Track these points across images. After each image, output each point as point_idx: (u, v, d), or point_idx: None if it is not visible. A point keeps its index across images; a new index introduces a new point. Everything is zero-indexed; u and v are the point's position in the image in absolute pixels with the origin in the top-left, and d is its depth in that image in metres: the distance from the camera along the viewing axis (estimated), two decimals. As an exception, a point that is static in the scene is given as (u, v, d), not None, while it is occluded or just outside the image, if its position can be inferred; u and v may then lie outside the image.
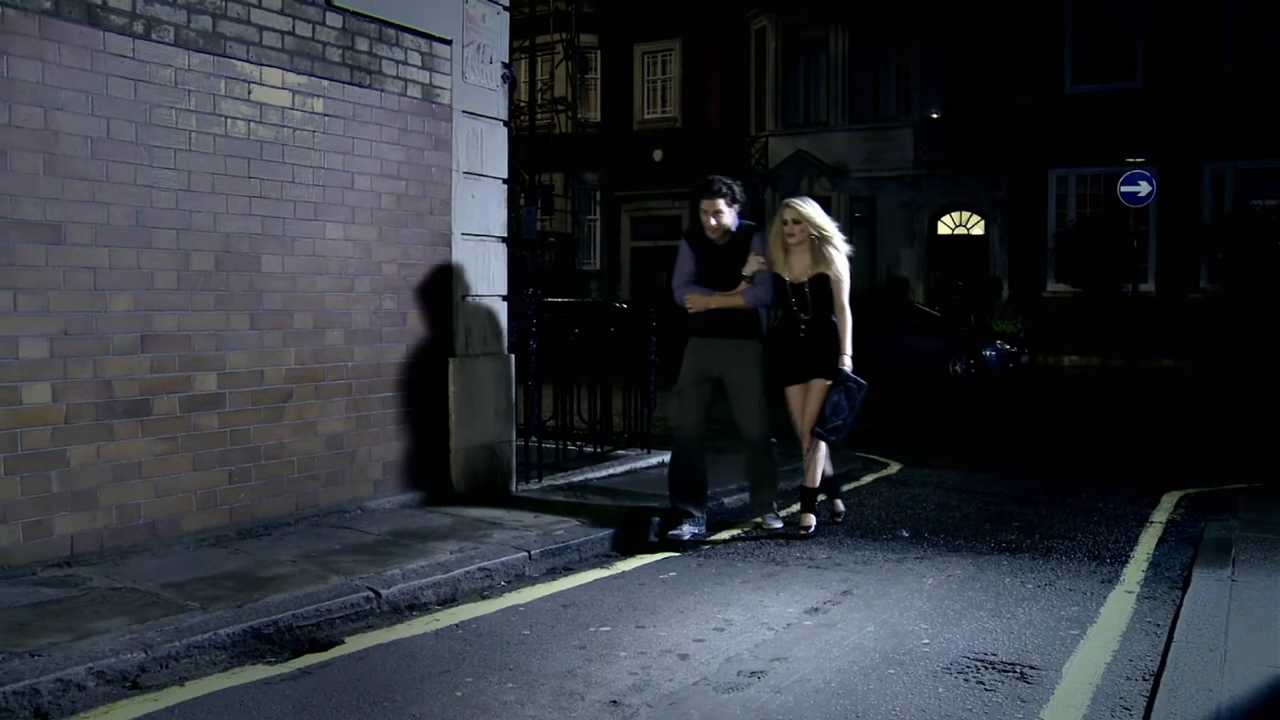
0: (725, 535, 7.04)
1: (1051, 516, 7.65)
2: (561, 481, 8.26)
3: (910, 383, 18.63)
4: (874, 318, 21.18)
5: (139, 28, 5.62)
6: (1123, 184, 21.63)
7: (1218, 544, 6.52)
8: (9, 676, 3.92)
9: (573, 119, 31.59)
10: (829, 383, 6.88)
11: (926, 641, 4.75)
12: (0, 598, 4.83)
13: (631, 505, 7.38)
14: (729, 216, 7.03)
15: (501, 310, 7.86)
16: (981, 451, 11.42)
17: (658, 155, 32.09)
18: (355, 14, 6.75)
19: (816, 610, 5.24)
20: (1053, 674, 4.35)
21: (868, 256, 28.75)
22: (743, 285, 6.94)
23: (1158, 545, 6.81)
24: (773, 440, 7.23)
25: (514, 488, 7.84)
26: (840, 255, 6.94)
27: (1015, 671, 4.36)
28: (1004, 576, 5.97)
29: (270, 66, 6.28)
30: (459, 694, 4.03)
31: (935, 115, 27.64)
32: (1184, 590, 5.53)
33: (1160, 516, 7.71)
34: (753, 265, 6.93)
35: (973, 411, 15.79)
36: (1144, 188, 21.40)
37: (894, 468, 10.05)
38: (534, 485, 8.03)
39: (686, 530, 6.78)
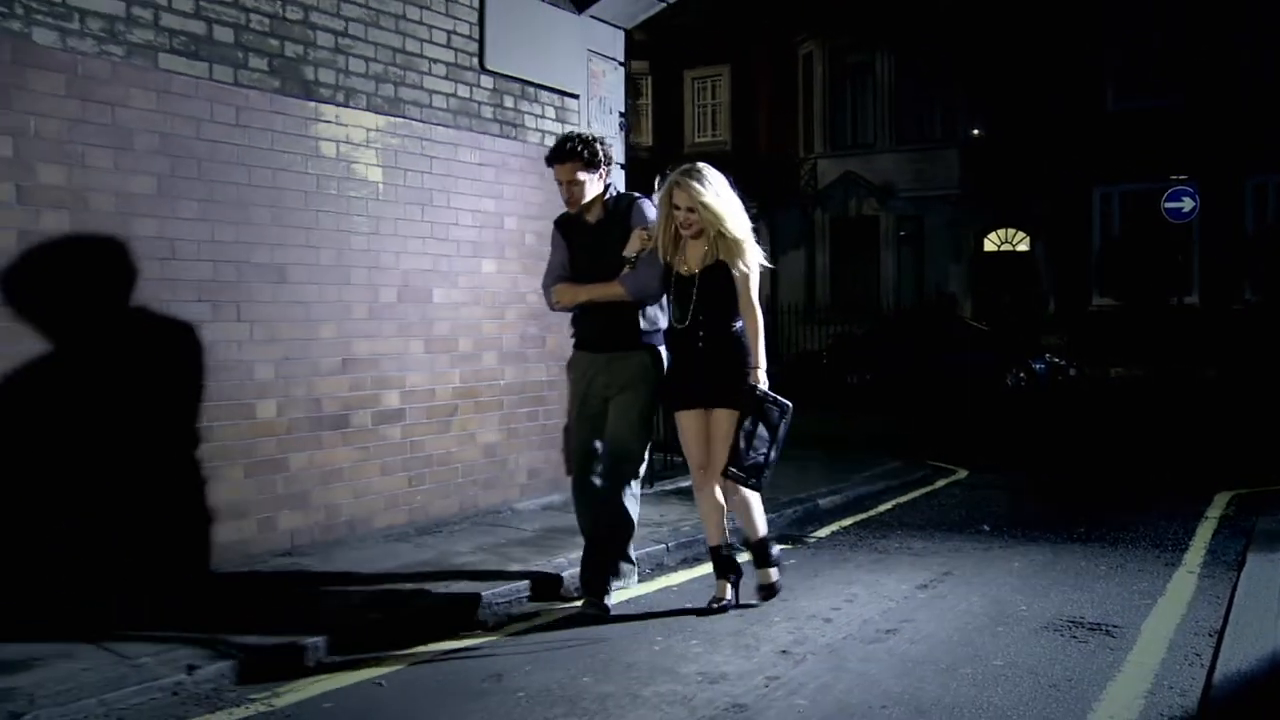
0: (825, 531, 7.94)
1: (1115, 512, 8.50)
2: (670, 487, 9.21)
3: (965, 395, 19.48)
4: (928, 333, 22.16)
5: (341, 97, 6.66)
6: (1166, 200, 22.31)
7: (1268, 535, 7.35)
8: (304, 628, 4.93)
9: (626, 144, 32.56)
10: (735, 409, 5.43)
11: (1024, 608, 5.68)
12: (252, 579, 5.85)
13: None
14: (593, 186, 5.65)
15: (620, 333, 8.84)
16: (1041, 457, 12.27)
17: (708, 177, 32.99)
18: (503, 76, 7.78)
19: (926, 587, 6.17)
20: (1133, 631, 5.25)
21: (916, 274, 29.62)
22: (625, 270, 5.56)
23: (1213, 536, 7.65)
24: (633, 492, 5.75)
25: (633, 491, 8.81)
26: (749, 244, 5.46)
27: (1102, 629, 5.27)
28: (1079, 561, 6.85)
29: (437, 124, 7.30)
30: (656, 647, 5.00)
31: (977, 133, 28.45)
32: (1239, 571, 6.40)
33: (1214, 512, 8.54)
34: (635, 244, 5.54)
35: (1027, 421, 16.60)
36: (1187, 204, 22.08)
37: (962, 473, 10.91)
38: (649, 490, 8.98)
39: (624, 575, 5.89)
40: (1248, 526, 7.79)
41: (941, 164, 29.17)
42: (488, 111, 7.66)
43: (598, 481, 5.77)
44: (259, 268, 6.24)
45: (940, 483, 10.32)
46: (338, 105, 6.65)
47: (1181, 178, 22.86)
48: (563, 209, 5.87)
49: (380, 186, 6.94)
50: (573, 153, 5.59)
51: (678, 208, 5.37)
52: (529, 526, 7.41)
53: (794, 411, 5.45)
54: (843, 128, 30.80)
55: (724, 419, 5.43)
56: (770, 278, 31.24)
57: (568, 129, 8.31)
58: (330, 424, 6.67)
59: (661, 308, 5.76)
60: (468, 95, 7.52)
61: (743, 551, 6.02)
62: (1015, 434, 15.06)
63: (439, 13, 7.30)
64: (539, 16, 8.02)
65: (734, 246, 5.38)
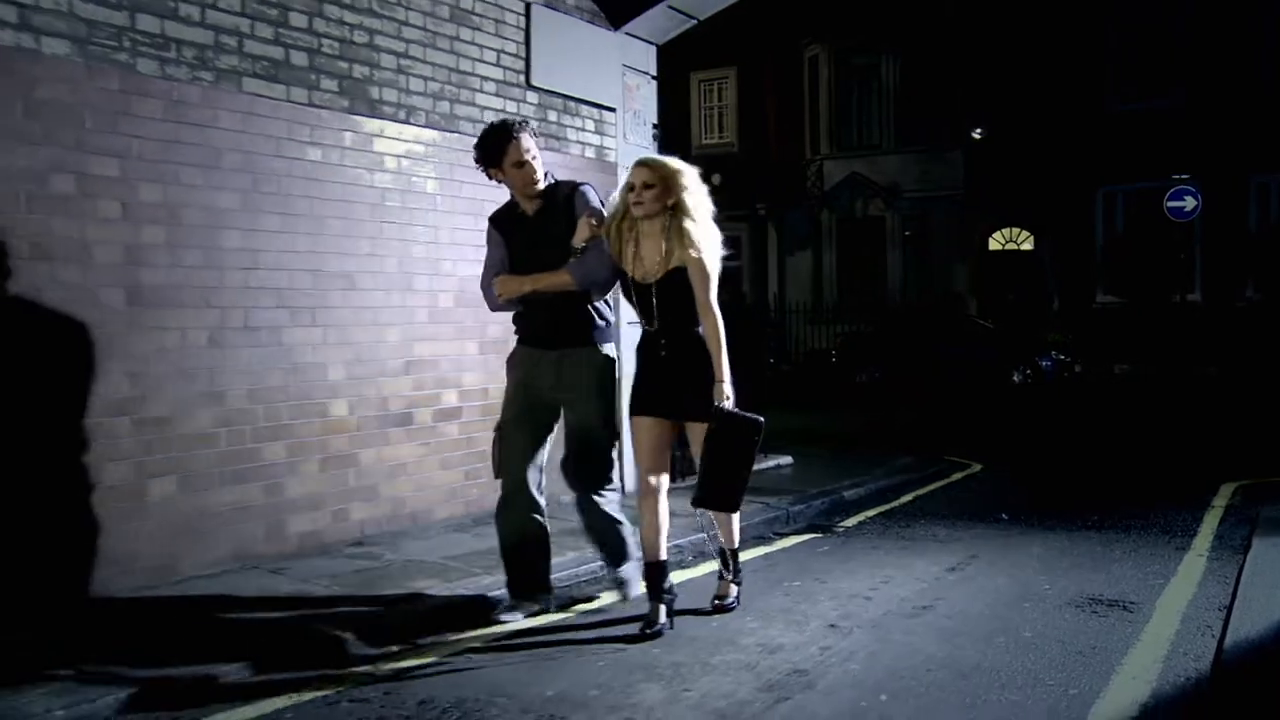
0: (853, 521, 8.38)
1: (1125, 502, 8.95)
2: (684, 486, 9.64)
3: (973, 391, 19.95)
4: (935, 331, 22.63)
5: (402, 114, 7.13)
6: (1169, 199, 22.69)
7: (1272, 521, 7.77)
8: (396, 606, 5.39)
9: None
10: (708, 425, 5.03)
11: (1047, 587, 6.14)
12: (332, 566, 6.33)
13: (762, 502, 8.62)
14: (542, 165, 5.44)
15: (655, 334, 9.31)
16: (1051, 451, 12.77)
17: (715, 179, 32.85)
18: (547, 92, 8.25)
19: (954, 569, 6.64)
20: (1148, 607, 5.71)
21: (921, 273, 30.06)
22: (573, 259, 5.23)
23: (1220, 523, 8.09)
24: (612, 490, 5.77)
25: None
26: (709, 236, 5.11)
27: (1120, 605, 5.73)
28: (1095, 546, 7.30)
29: (488, 140, 7.75)
30: (714, 624, 5.48)
31: (979, 134, 28.80)
32: (1245, 554, 6.85)
33: (1220, 502, 8.98)
34: (584, 230, 5.20)
35: (1036, 417, 17.04)
36: (1189, 203, 22.46)
37: (976, 467, 11.35)
38: (679, 484, 9.40)
39: (508, 614, 5.58)
40: (1252, 514, 8.22)
41: (946, 165, 29.62)
42: (533, 125, 8.08)
43: (536, 493, 5.69)
44: (331, 276, 6.70)
45: (956, 476, 10.77)
46: (399, 122, 7.12)
47: (1183, 177, 23.25)
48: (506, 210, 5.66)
49: (438, 198, 7.40)
50: (520, 126, 5.37)
51: (633, 187, 5.04)
52: (576, 519, 7.79)
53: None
54: (848, 129, 31.24)
55: (698, 431, 5.14)
56: (778, 278, 31.82)
57: (606, 141, 8.78)
58: (395, 421, 7.13)
59: (609, 303, 5.55)
60: (515, 110, 7.97)
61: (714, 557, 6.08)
62: (1025, 429, 15.51)
63: (489, 34, 7.77)
64: (580, 35, 8.48)
65: (689, 236, 5.02)
